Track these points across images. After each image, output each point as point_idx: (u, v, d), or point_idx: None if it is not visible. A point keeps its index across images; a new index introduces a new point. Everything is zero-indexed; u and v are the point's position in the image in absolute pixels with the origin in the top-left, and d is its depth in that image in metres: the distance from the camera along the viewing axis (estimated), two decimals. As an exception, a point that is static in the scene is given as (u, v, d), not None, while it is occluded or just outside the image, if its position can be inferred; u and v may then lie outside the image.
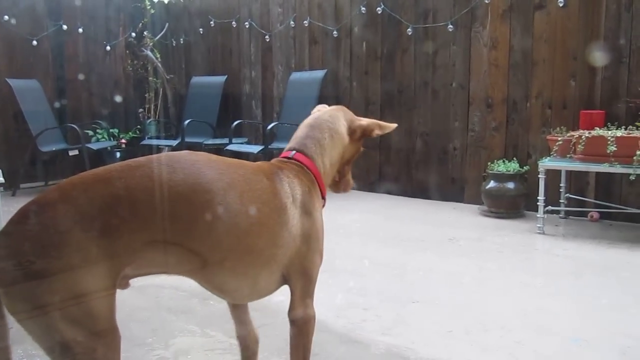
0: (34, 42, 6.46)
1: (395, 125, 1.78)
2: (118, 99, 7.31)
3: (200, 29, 7.38)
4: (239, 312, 1.76)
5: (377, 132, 1.75)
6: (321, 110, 1.78)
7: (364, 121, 1.75)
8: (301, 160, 1.61)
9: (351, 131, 1.73)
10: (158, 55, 7.46)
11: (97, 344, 1.22)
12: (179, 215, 1.29)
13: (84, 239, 1.18)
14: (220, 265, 1.40)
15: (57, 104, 6.65)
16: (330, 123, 1.69)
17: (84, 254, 1.18)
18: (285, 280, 1.54)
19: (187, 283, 2.99)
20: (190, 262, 1.36)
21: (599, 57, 4.32)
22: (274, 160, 1.64)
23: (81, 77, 6.96)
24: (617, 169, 3.72)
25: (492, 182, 4.62)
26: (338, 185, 1.84)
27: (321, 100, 5.73)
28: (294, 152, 1.63)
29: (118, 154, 6.80)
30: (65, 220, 1.18)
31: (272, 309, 2.55)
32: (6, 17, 6.18)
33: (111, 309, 1.26)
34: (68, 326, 1.19)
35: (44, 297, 1.17)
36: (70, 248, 1.17)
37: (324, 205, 1.69)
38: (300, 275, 1.53)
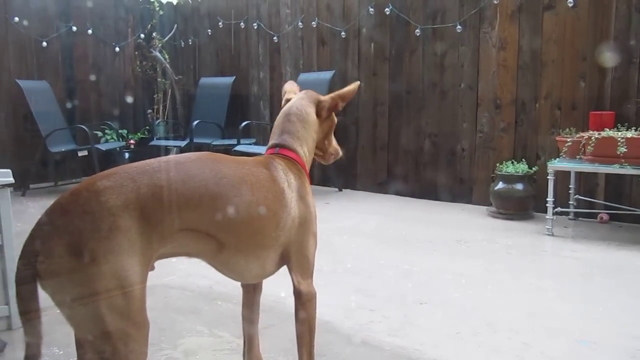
0: (44, 44, 6.51)
1: (356, 84, 1.85)
2: (128, 99, 7.35)
3: (209, 30, 7.40)
4: (250, 329, 1.90)
5: (341, 104, 1.85)
6: (290, 101, 1.88)
7: (327, 99, 1.85)
8: (286, 154, 1.74)
9: (318, 112, 1.85)
10: (167, 56, 7.49)
11: (132, 330, 1.29)
12: (205, 207, 1.42)
13: (130, 224, 1.27)
14: (234, 247, 1.53)
15: (66, 105, 6.70)
16: (299, 115, 1.81)
17: (130, 238, 1.26)
18: (284, 261, 1.66)
19: (195, 283, 3.02)
20: (209, 246, 1.48)
21: (608, 57, 4.29)
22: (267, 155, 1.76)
23: (91, 78, 7.01)
24: (628, 170, 3.70)
25: (500, 183, 4.60)
26: (325, 157, 1.97)
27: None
28: (277, 148, 1.76)
29: (127, 155, 6.84)
30: (116, 205, 1.26)
31: (277, 310, 2.55)
32: (17, 19, 6.24)
33: (144, 296, 1.33)
34: (110, 311, 1.24)
35: (91, 281, 1.22)
36: (119, 231, 1.25)
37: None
38: (299, 256, 1.66)
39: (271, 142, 1.80)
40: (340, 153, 1.99)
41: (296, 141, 1.78)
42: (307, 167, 1.81)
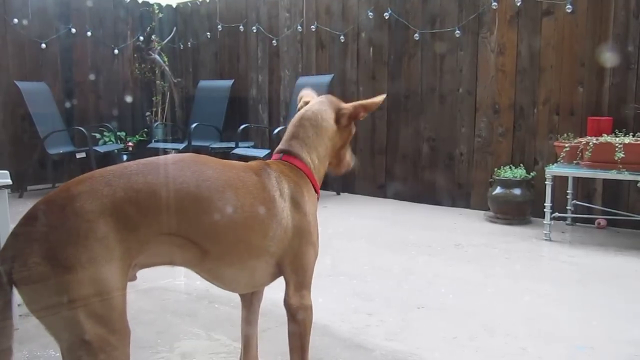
0: (43, 45, 6.51)
1: (381, 97, 1.78)
2: (128, 99, 7.35)
3: (208, 33, 7.41)
4: (248, 330, 1.85)
5: (363, 114, 1.78)
6: (307, 105, 1.80)
7: (349, 107, 1.77)
8: (289, 161, 1.67)
9: (338, 119, 1.76)
10: (166, 59, 7.49)
11: (112, 338, 1.25)
12: (185, 211, 1.37)
13: (107, 229, 1.24)
14: (218, 256, 1.47)
15: (65, 107, 6.70)
16: (313, 120, 1.73)
17: (107, 244, 1.24)
18: (280, 271, 1.61)
19: (192, 286, 3.01)
20: (192, 253, 1.43)
21: (608, 57, 4.29)
22: (266, 160, 1.71)
23: (89, 80, 7.01)
24: (625, 176, 3.70)
25: (498, 188, 4.60)
26: (338, 167, 1.89)
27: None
28: (281, 154, 1.70)
29: (125, 157, 6.82)
30: (91, 210, 1.23)
31: (276, 313, 2.54)
32: (16, 20, 6.24)
33: (124, 303, 1.30)
34: (88, 318, 1.21)
35: (68, 288, 1.19)
36: (95, 237, 1.22)
37: (318, 198, 1.74)
38: (294, 267, 1.60)
39: (278, 147, 1.74)
40: (352, 163, 1.92)
41: (304, 148, 1.70)
42: (318, 176, 1.73)
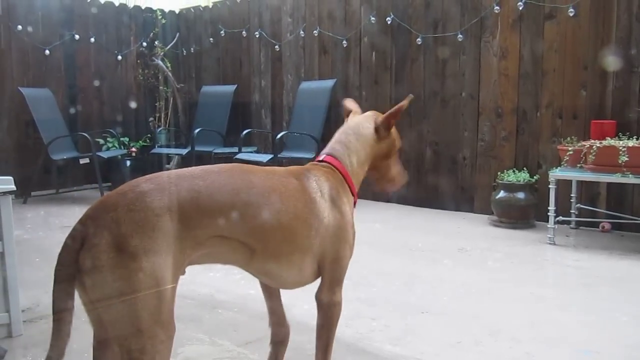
0: (47, 52, 6.54)
1: (407, 100, 1.87)
2: (131, 105, 7.37)
3: (211, 39, 7.43)
4: (272, 302, 1.94)
5: (393, 121, 1.89)
6: (352, 116, 1.96)
7: (381, 117, 1.90)
8: (329, 161, 1.80)
9: (377, 130, 1.88)
10: (169, 65, 7.51)
11: (161, 331, 1.32)
12: (236, 214, 1.47)
13: (171, 225, 1.33)
14: (267, 255, 1.58)
15: (68, 113, 6.72)
16: (354, 128, 1.88)
17: (169, 238, 1.32)
18: (320, 269, 1.71)
19: (196, 292, 3.01)
20: (243, 253, 1.53)
21: (611, 61, 4.29)
22: (306, 165, 1.82)
23: (93, 86, 7.03)
24: (629, 179, 3.69)
25: (502, 192, 4.59)
26: (383, 182, 2.00)
27: (330, 110, 5.75)
28: (324, 155, 1.83)
29: (128, 163, 6.84)
30: (160, 206, 1.32)
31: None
32: (20, 27, 6.27)
33: (174, 300, 1.38)
34: (144, 309, 1.28)
35: (130, 276, 1.26)
36: (161, 231, 1.31)
37: (355, 202, 1.84)
38: (332, 264, 1.70)
39: (324, 150, 1.87)
40: (403, 181, 2.01)
41: (345, 151, 1.83)
42: (356, 180, 1.84)
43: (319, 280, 1.73)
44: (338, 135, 1.88)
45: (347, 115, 2.00)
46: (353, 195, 1.81)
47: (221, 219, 1.44)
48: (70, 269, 1.27)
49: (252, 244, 1.52)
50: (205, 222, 1.41)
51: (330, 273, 1.70)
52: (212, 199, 1.43)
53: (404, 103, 1.85)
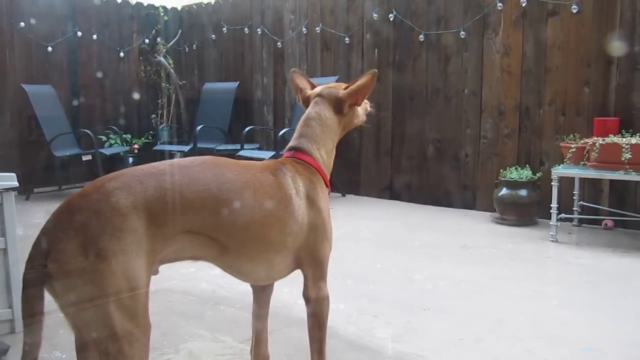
0: (49, 48, 6.55)
1: (370, 73, 1.80)
2: (133, 102, 7.36)
3: (213, 36, 7.43)
4: (259, 324, 1.92)
5: (360, 99, 1.86)
6: (311, 104, 1.87)
7: (345, 95, 1.83)
8: (300, 157, 1.76)
9: (339, 109, 1.84)
10: (171, 62, 7.52)
11: (137, 330, 1.30)
12: (207, 210, 1.44)
13: (138, 224, 1.30)
14: (238, 251, 1.55)
15: (71, 110, 6.73)
16: (317, 119, 1.82)
17: (137, 237, 1.29)
18: (297, 265, 1.69)
19: (198, 288, 3.01)
20: (213, 249, 1.50)
21: (616, 47, 4.26)
22: (281, 159, 1.78)
23: (95, 82, 7.04)
24: (632, 176, 3.69)
25: (504, 189, 4.59)
26: (356, 124, 1.97)
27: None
28: (293, 152, 1.79)
29: (131, 159, 6.85)
30: (125, 205, 1.29)
31: (282, 315, 2.55)
32: (22, 24, 6.27)
33: (148, 299, 1.35)
34: (118, 310, 1.26)
35: (101, 278, 1.23)
36: (129, 231, 1.28)
37: (329, 193, 1.82)
38: (311, 261, 1.68)
39: (289, 144, 1.83)
40: (369, 109, 2.02)
41: (313, 144, 1.79)
42: (326, 170, 1.82)
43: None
44: (302, 128, 1.82)
45: (298, 92, 1.95)
46: (327, 186, 1.79)
47: (190, 214, 1.41)
48: (39, 274, 1.24)
49: (222, 240, 1.49)
50: (174, 219, 1.38)
51: (311, 270, 1.69)
52: (180, 195, 1.39)
53: (371, 77, 1.79)
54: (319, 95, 1.87)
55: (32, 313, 1.27)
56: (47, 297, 1.27)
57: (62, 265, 1.23)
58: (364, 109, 1.99)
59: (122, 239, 1.26)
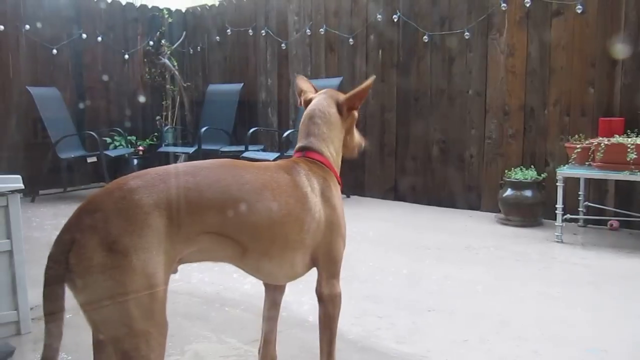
0: (54, 51, 6.57)
1: (369, 80, 1.85)
2: (138, 104, 7.39)
3: (217, 37, 7.44)
4: (269, 325, 1.93)
5: (358, 103, 1.90)
6: (312, 102, 1.90)
7: (344, 100, 1.88)
8: (311, 156, 1.77)
9: (340, 110, 1.87)
10: (175, 63, 7.53)
11: (154, 329, 1.30)
12: (227, 211, 1.45)
13: (160, 222, 1.31)
14: (259, 251, 1.56)
15: (76, 112, 6.75)
16: (323, 116, 1.84)
17: (159, 236, 1.31)
18: (313, 263, 1.71)
19: (203, 289, 3.02)
20: (233, 249, 1.51)
21: (620, 49, 4.25)
22: (293, 158, 1.80)
23: (100, 84, 7.06)
24: (638, 176, 3.67)
25: (509, 190, 4.58)
26: (349, 151, 1.99)
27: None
28: (304, 152, 1.80)
29: (135, 161, 6.87)
30: (148, 203, 1.30)
31: (286, 316, 2.55)
32: (27, 27, 6.30)
33: (166, 298, 1.35)
34: (137, 307, 1.27)
35: (122, 275, 1.24)
36: (150, 228, 1.29)
37: (341, 188, 1.84)
38: (326, 258, 1.70)
39: (298, 144, 1.83)
40: (363, 143, 2.03)
41: (322, 143, 1.81)
42: (336, 168, 1.84)
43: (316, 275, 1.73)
44: (309, 126, 1.83)
45: (300, 95, 1.98)
46: (339, 183, 1.82)
47: (212, 216, 1.42)
48: (60, 271, 1.25)
49: (244, 241, 1.50)
50: (196, 219, 1.39)
51: (326, 267, 1.70)
52: (202, 195, 1.41)
53: (368, 83, 1.84)
54: (323, 92, 1.91)
55: (53, 311, 1.28)
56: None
57: (84, 261, 1.24)
58: (360, 136, 2.02)
59: (144, 237, 1.27)
